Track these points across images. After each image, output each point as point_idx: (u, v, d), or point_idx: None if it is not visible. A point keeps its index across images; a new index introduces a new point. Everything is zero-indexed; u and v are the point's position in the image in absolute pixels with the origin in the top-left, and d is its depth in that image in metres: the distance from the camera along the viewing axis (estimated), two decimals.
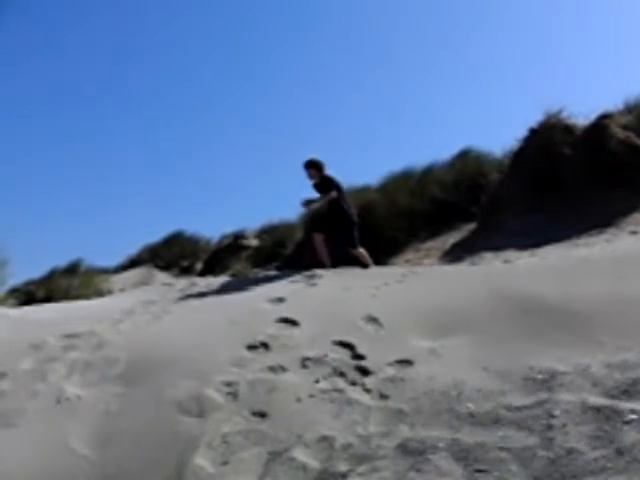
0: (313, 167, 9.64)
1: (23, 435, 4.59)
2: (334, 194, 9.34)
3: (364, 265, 9.50)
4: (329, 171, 9.69)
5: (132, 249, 31.36)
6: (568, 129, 13.32)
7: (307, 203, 9.70)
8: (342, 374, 4.75)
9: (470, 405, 3.95)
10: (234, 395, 4.65)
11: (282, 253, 17.44)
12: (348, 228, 9.57)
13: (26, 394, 5.21)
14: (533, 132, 13.76)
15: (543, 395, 3.91)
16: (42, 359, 5.86)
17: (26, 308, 8.95)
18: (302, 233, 16.36)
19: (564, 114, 13.59)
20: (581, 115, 13.61)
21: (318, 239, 9.70)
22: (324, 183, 9.52)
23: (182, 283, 9.74)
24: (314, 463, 3.68)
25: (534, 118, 13.82)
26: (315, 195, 9.66)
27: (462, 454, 3.43)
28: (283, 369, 4.97)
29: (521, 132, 14.11)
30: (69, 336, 6.36)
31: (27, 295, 17.27)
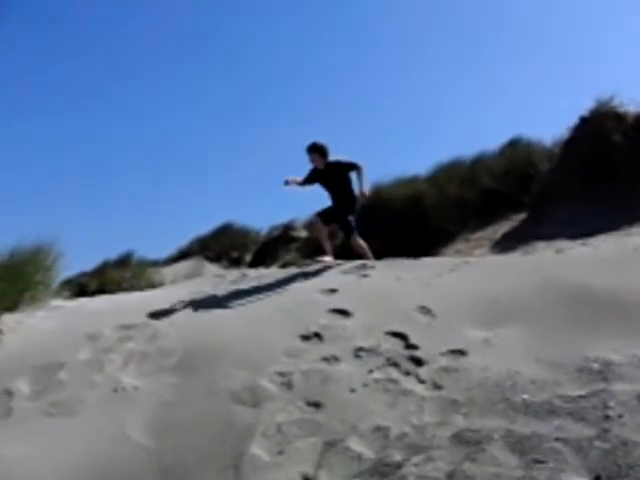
0: (317, 151, 9.19)
1: (82, 424, 4.69)
2: (364, 170, 8.89)
3: (360, 258, 9.10)
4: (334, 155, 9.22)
5: (182, 241, 31.58)
6: (619, 117, 13.08)
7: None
8: (395, 364, 4.76)
9: (525, 395, 3.94)
10: (288, 385, 4.69)
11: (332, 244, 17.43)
12: (346, 213, 9.17)
13: (84, 384, 5.31)
14: (584, 120, 13.55)
15: (598, 386, 3.88)
16: (98, 350, 5.95)
17: (81, 300, 9.06)
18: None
19: (615, 102, 13.35)
20: (633, 103, 13.34)
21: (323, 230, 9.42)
22: (334, 169, 9.13)
23: (233, 274, 9.75)
24: (369, 453, 3.71)
25: (585, 106, 13.63)
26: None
27: (517, 444, 3.43)
28: (336, 359, 5.00)
29: (572, 120, 13.93)
30: (124, 327, 6.46)
31: (80, 287, 17.49)
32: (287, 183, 9.20)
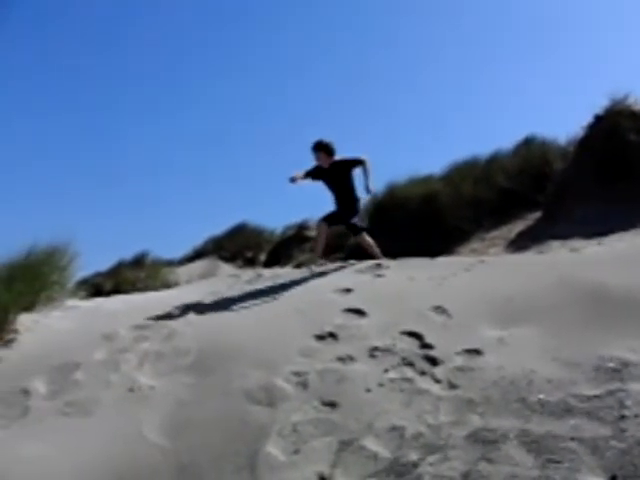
0: (322, 150, 9.12)
1: (99, 424, 4.71)
2: (369, 164, 8.90)
3: (370, 256, 9.19)
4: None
5: (196, 241, 31.69)
6: (635, 115, 12.98)
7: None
8: (411, 364, 4.76)
9: (540, 395, 3.94)
10: (304, 385, 4.70)
11: (345, 244, 17.41)
12: (349, 213, 9.24)
13: (100, 384, 5.34)
14: (598, 119, 13.46)
15: (614, 385, 3.87)
16: (114, 350, 5.98)
17: (97, 300, 9.10)
18: (365, 224, 16.25)
19: (630, 100, 13.24)
20: None
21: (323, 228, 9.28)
22: (338, 167, 9.10)
23: (248, 274, 9.76)
24: (385, 452, 3.72)
25: (599, 104, 13.55)
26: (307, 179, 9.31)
27: (533, 444, 3.43)
28: (352, 359, 5.00)
29: (586, 119, 13.84)
30: (140, 327, 6.49)
31: (95, 287, 17.54)
32: (293, 180, 9.07)
